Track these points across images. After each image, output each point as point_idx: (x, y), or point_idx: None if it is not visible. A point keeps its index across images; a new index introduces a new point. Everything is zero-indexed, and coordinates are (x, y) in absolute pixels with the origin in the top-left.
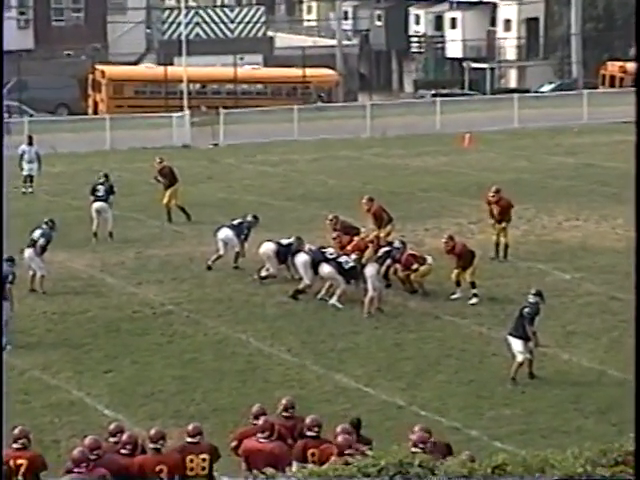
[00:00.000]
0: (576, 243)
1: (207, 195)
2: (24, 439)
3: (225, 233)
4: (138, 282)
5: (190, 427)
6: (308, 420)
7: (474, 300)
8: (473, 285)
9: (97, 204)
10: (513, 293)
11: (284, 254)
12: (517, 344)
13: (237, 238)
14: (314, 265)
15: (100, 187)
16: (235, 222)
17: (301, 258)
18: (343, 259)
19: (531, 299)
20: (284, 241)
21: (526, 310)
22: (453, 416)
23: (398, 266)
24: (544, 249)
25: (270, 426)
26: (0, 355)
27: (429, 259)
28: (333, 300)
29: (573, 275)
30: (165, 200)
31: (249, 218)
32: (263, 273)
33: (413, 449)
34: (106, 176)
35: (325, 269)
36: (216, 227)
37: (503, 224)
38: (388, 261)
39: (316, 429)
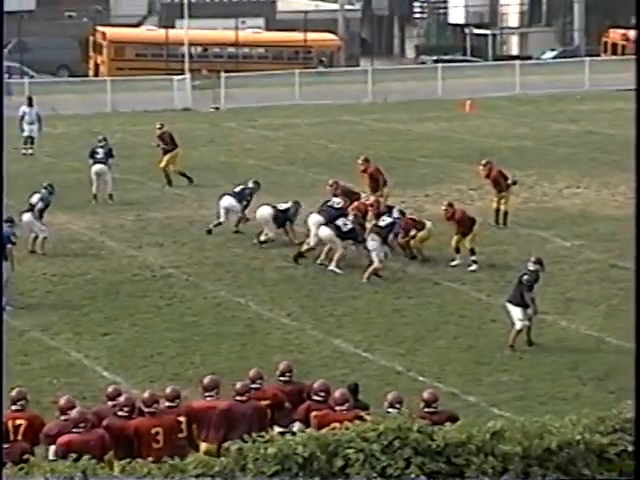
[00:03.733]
0: (576, 210)
1: (208, 159)
2: (23, 401)
3: (228, 201)
4: (138, 245)
5: (168, 390)
6: (316, 385)
7: (473, 267)
8: (472, 252)
9: (96, 167)
10: (513, 260)
11: (282, 219)
12: (516, 311)
13: (239, 204)
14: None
15: (99, 150)
16: (237, 189)
17: (314, 219)
18: (341, 222)
19: (531, 266)
20: (281, 205)
21: (525, 277)
22: (451, 382)
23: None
24: (544, 216)
25: (246, 390)
26: (0, 316)
27: (428, 224)
28: (332, 266)
29: (573, 242)
30: (162, 164)
31: (250, 184)
32: (262, 238)
33: (389, 409)
34: (105, 139)
35: (324, 232)
36: (219, 195)
37: (502, 193)
38: (391, 236)
39: (322, 394)
